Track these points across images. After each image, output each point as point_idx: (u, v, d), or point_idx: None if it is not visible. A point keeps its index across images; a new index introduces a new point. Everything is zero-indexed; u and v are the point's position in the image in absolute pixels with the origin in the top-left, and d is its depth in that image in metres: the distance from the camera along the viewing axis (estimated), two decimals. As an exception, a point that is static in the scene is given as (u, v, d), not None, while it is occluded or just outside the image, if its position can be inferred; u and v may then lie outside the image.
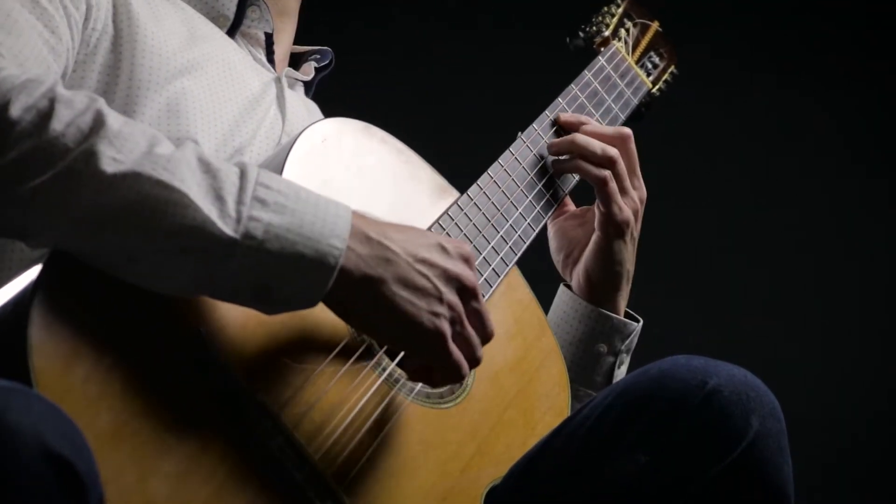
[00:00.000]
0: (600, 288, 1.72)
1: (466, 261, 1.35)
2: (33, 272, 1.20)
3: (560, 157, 1.69)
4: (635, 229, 1.70)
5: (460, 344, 1.33)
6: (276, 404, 1.29)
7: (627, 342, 1.73)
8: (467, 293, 1.34)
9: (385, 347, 1.40)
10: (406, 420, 1.40)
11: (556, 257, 1.79)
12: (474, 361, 1.35)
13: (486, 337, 1.36)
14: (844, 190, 3.40)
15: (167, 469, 1.20)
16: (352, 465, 1.33)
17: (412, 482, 1.39)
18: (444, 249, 1.34)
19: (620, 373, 1.73)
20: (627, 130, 1.72)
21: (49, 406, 1.09)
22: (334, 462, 1.32)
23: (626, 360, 1.74)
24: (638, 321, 1.74)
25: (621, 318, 1.73)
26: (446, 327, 1.31)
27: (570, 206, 1.78)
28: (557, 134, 1.71)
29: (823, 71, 3.42)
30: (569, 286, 1.76)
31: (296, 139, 1.46)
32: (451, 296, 1.32)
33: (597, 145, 1.67)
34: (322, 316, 1.31)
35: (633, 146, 1.71)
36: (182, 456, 1.21)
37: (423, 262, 1.31)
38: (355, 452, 1.34)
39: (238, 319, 1.30)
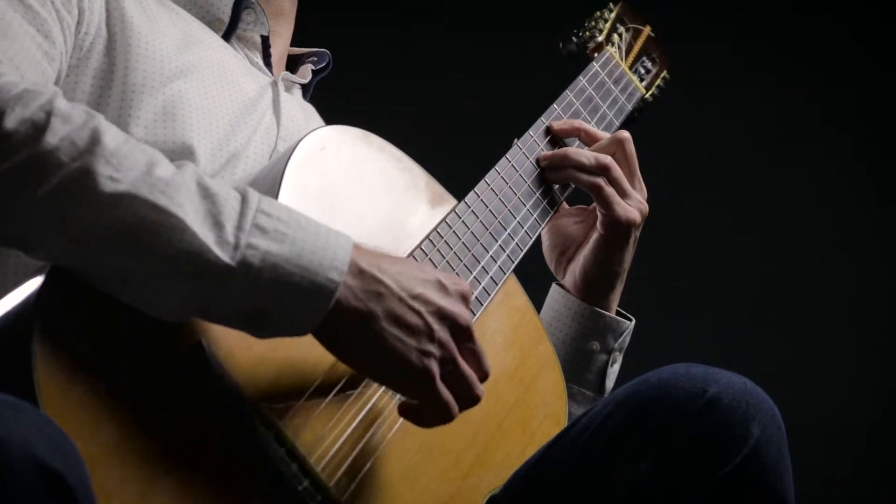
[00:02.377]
0: (595, 287, 1.72)
1: (464, 299, 1.33)
2: (36, 283, 1.19)
3: (553, 168, 1.69)
4: (638, 230, 1.70)
5: (452, 383, 1.31)
6: (277, 415, 1.29)
7: (620, 341, 1.73)
8: (461, 333, 1.31)
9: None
10: (406, 429, 1.39)
11: (550, 254, 1.78)
12: (471, 399, 1.32)
13: (482, 376, 1.34)
14: (844, 193, 3.41)
15: (169, 482, 1.19)
16: (353, 474, 1.33)
17: (413, 490, 1.39)
18: (441, 286, 1.31)
19: (613, 371, 1.73)
20: (625, 133, 1.72)
21: (41, 418, 1.09)
22: (336, 472, 1.31)
23: (619, 358, 1.74)
24: (630, 320, 1.74)
25: (614, 316, 1.73)
26: (434, 367, 1.29)
27: (564, 205, 1.77)
28: (553, 141, 1.71)
29: (820, 72, 3.43)
30: (560, 284, 1.76)
31: (295, 147, 1.45)
32: (443, 334, 1.29)
33: (588, 156, 1.67)
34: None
35: (631, 148, 1.71)
36: (184, 469, 1.21)
37: (418, 298, 1.29)
38: (356, 462, 1.34)
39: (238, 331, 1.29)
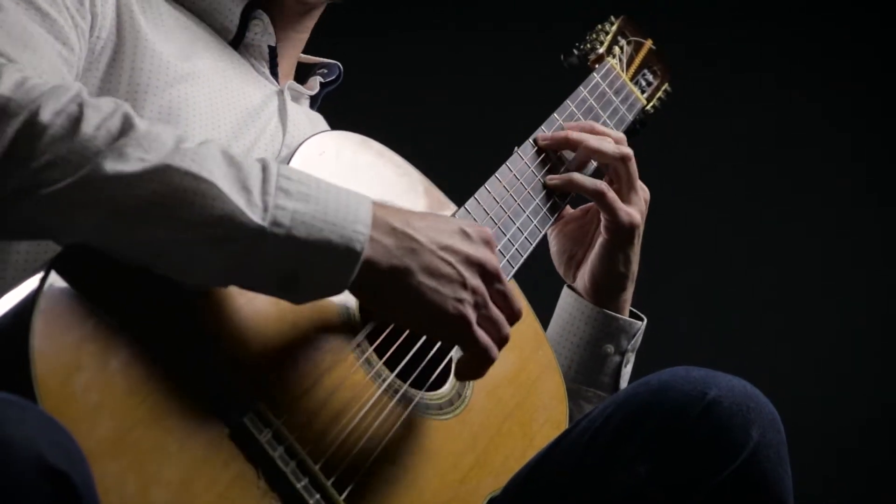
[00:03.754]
0: (606, 290, 1.74)
1: (488, 244, 1.38)
2: (35, 280, 1.20)
3: (555, 178, 1.69)
4: (640, 230, 1.72)
5: (486, 326, 1.36)
6: (278, 413, 1.29)
7: (633, 341, 1.74)
8: (490, 276, 1.36)
9: (384, 359, 1.41)
10: (406, 431, 1.40)
11: (558, 259, 1.80)
12: (502, 341, 1.37)
13: (513, 316, 1.39)
14: (844, 193, 3.40)
15: (169, 477, 1.20)
16: (352, 474, 1.33)
17: (412, 492, 1.39)
18: (465, 234, 1.36)
19: (627, 371, 1.75)
20: (621, 137, 1.74)
21: (45, 418, 1.09)
22: (335, 471, 1.32)
23: (632, 358, 1.76)
24: (642, 319, 1.76)
25: (627, 318, 1.74)
26: (470, 312, 1.34)
27: (568, 208, 1.79)
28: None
29: (820, 72, 3.43)
30: (572, 287, 1.77)
31: (294, 152, 1.48)
32: (474, 280, 1.35)
33: (591, 181, 1.69)
34: (324, 326, 1.33)
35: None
36: (184, 464, 1.21)
37: (446, 248, 1.34)
38: (356, 462, 1.34)
39: (239, 327, 1.30)
